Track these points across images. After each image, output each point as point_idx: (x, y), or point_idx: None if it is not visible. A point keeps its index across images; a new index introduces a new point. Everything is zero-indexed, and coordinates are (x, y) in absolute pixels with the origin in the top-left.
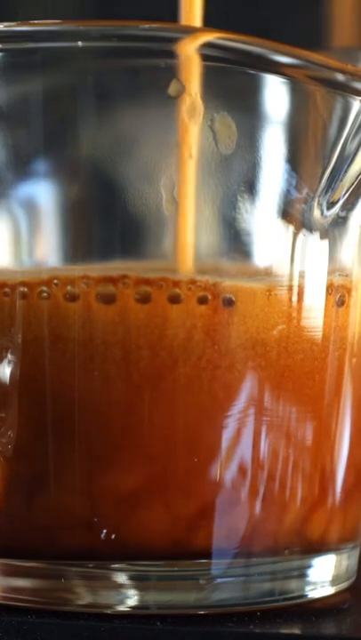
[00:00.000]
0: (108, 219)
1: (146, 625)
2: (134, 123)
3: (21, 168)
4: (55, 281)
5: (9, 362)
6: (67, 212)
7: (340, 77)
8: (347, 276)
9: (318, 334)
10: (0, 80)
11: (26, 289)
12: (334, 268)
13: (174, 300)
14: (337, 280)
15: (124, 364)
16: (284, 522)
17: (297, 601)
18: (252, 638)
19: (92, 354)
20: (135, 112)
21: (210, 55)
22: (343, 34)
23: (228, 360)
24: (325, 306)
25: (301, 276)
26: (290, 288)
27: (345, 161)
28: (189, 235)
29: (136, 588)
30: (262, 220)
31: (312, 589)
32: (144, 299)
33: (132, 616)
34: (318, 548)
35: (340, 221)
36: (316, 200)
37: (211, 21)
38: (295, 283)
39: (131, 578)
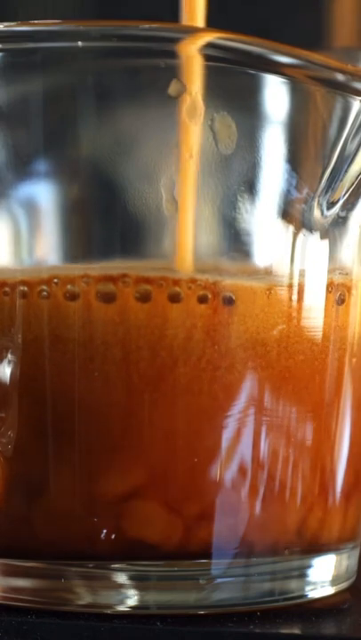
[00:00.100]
0: (108, 219)
1: (146, 625)
2: (134, 123)
3: (21, 168)
4: (55, 280)
5: (9, 362)
6: (67, 212)
7: (340, 77)
8: (347, 274)
9: (318, 333)
10: (0, 80)
11: (26, 288)
12: (334, 267)
13: (174, 298)
14: (337, 278)
15: (124, 363)
16: (284, 522)
17: (297, 601)
18: (252, 638)
19: (91, 353)
20: (135, 112)
21: (210, 55)
22: (343, 34)
23: (228, 359)
24: (325, 304)
25: (301, 274)
26: (290, 287)
27: (345, 161)
28: (189, 234)
29: (136, 587)
30: (262, 219)
31: (312, 589)
32: (144, 297)
33: (132, 616)
34: (318, 548)
35: (341, 221)
36: (316, 200)
37: (211, 21)
38: (295, 282)
39: (131, 578)
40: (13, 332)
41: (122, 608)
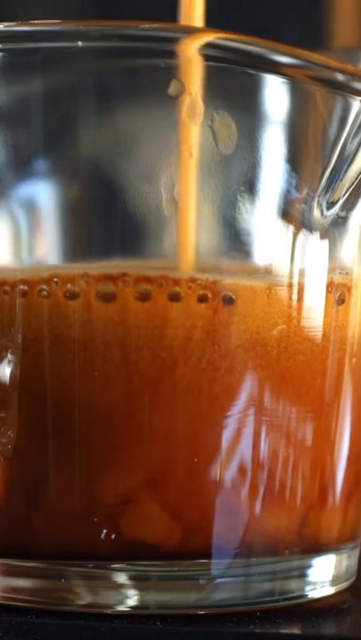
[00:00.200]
0: (108, 219)
1: (146, 625)
2: (134, 123)
3: (21, 168)
4: (55, 279)
5: (9, 362)
6: (67, 212)
7: (340, 77)
8: (347, 274)
9: (318, 333)
10: (0, 80)
11: (26, 287)
12: (334, 266)
13: (174, 298)
14: (337, 278)
15: (124, 363)
16: (284, 522)
17: (297, 601)
18: (252, 638)
19: (91, 353)
20: (135, 112)
21: (210, 55)
22: (343, 34)
23: (228, 358)
24: (325, 304)
25: (301, 274)
26: (290, 286)
27: (345, 161)
28: (189, 234)
29: (136, 587)
30: (262, 219)
31: (312, 589)
32: (144, 297)
33: (132, 616)
34: (318, 548)
35: (341, 221)
36: (316, 200)
37: (211, 21)
38: (295, 281)
39: (131, 578)
40: (13, 331)
41: (122, 608)
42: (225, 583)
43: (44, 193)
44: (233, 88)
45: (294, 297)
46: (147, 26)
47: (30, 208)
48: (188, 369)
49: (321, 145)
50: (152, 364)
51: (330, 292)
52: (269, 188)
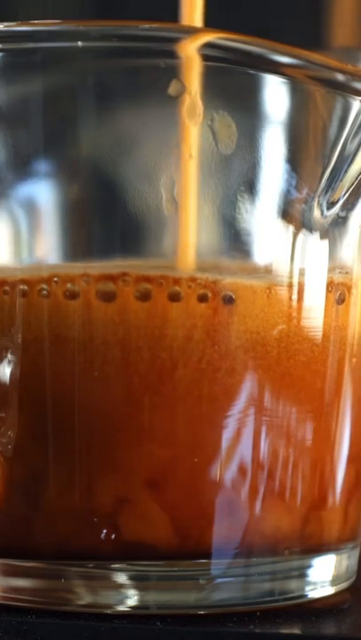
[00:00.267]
0: (108, 219)
1: (146, 625)
2: (134, 123)
3: (21, 168)
4: (55, 279)
5: (9, 362)
6: (67, 212)
7: (340, 77)
8: (347, 273)
9: (318, 332)
10: (0, 80)
11: (26, 287)
12: (334, 266)
13: (174, 297)
14: (337, 277)
15: (124, 363)
16: (284, 522)
17: (297, 601)
18: (252, 638)
19: (91, 353)
20: (135, 112)
21: (210, 55)
22: (343, 34)
23: (227, 358)
24: (325, 303)
25: (301, 273)
26: (290, 286)
27: (345, 161)
28: (189, 234)
29: (136, 587)
30: (262, 219)
31: (312, 589)
32: (144, 296)
33: (132, 616)
34: (318, 548)
35: (340, 221)
36: (316, 200)
37: (211, 21)
38: (295, 280)
39: (131, 578)
40: (13, 331)
41: (122, 608)
42: (225, 583)
43: (44, 193)
44: (233, 88)
45: (294, 296)
46: (147, 26)
47: (30, 208)
48: (188, 368)
49: (321, 145)
50: (152, 364)
51: (330, 291)
52: (269, 188)
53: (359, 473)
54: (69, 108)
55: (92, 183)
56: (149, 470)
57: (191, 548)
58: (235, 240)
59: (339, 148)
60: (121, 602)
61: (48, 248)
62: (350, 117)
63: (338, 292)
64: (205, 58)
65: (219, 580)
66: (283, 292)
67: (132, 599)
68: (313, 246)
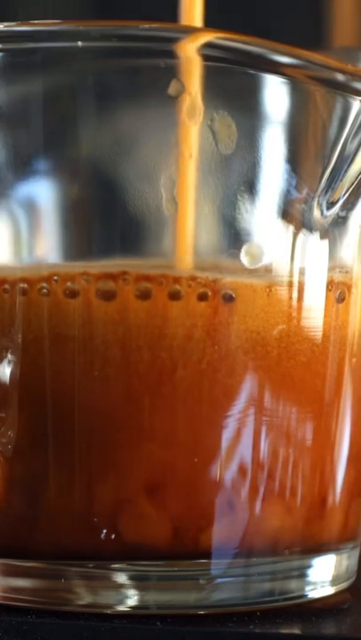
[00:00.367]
0: (108, 219)
1: (146, 625)
2: (134, 123)
3: (21, 168)
4: (55, 277)
5: (9, 361)
6: (67, 212)
7: (340, 77)
8: (347, 272)
9: (318, 330)
10: (0, 80)
11: (26, 285)
12: (334, 265)
13: (174, 296)
14: (337, 277)
15: (124, 362)
16: (284, 522)
17: (297, 601)
18: (252, 638)
19: (91, 352)
20: (135, 112)
21: (210, 55)
22: (343, 34)
23: (227, 357)
24: (325, 302)
25: (302, 273)
26: (290, 285)
27: (345, 161)
28: (189, 233)
29: (136, 587)
30: (262, 219)
31: (312, 589)
32: (144, 295)
33: (132, 616)
34: (318, 548)
35: (341, 221)
36: (316, 200)
37: (211, 21)
38: (295, 280)
39: (131, 578)
40: (13, 329)
41: (122, 608)
42: (225, 583)
43: (44, 193)
44: (233, 88)
45: (294, 295)
46: (147, 26)
47: (30, 208)
48: (188, 367)
49: (321, 145)
50: (152, 363)
51: (330, 290)
52: (269, 188)
53: (359, 473)
54: (69, 108)
55: (92, 183)
56: (149, 470)
57: (191, 548)
58: (235, 240)
59: (339, 147)
60: (121, 602)
61: (48, 248)
62: (350, 117)
63: (338, 291)
64: (205, 58)
65: (219, 580)
66: (283, 290)
67: (132, 599)
68: (313, 246)
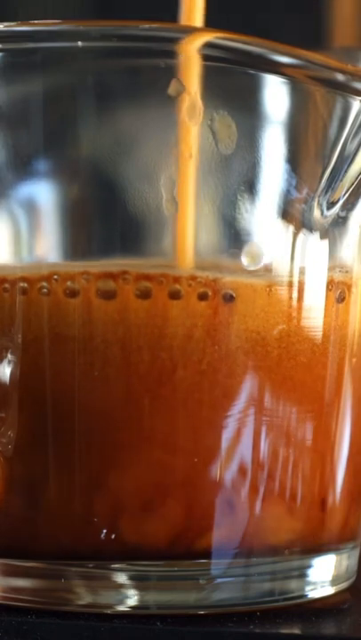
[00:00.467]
0: (108, 219)
1: (146, 625)
2: (134, 123)
3: (21, 168)
4: (55, 276)
5: (9, 361)
6: (67, 212)
7: (340, 77)
8: (347, 272)
9: (318, 330)
10: (0, 80)
11: (26, 284)
12: (334, 265)
13: (174, 295)
14: (337, 276)
15: (124, 362)
16: (284, 522)
17: (297, 601)
18: (252, 638)
19: (91, 352)
20: (135, 112)
21: (210, 55)
22: (343, 34)
23: (227, 357)
24: (325, 302)
25: (302, 272)
26: (290, 284)
27: (345, 161)
28: (189, 233)
29: (136, 587)
30: (262, 219)
31: (312, 589)
32: (144, 294)
33: (132, 616)
34: (318, 548)
35: (341, 221)
36: (316, 200)
37: (211, 21)
38: (295, 279)
39: (131, 578)
40: (13, 329)
41: (122, 608)
42: (225, 583)
43: (44, 193)
44: (233, 88)
45: (294, 295)
46: (147, 26)
47: (30, 208)
48: (189, 367)
49: (321, 145)
50: (152, 363)
51: (330, 289)
52: (269, 188)
53: (359, 473)
54: (69, 108)
55: (92, 183)
56: (149, 470)
57: (191, 548)
58: (234, 240)
59: (339, 147)
60: (121, 602)
61: (48, 247)
62: (350, 117)
63: (338, 291)
64: (205, 58)
65: (219, 580)
66: (283, 290)
67: (132, 599)
68: (313, 246)
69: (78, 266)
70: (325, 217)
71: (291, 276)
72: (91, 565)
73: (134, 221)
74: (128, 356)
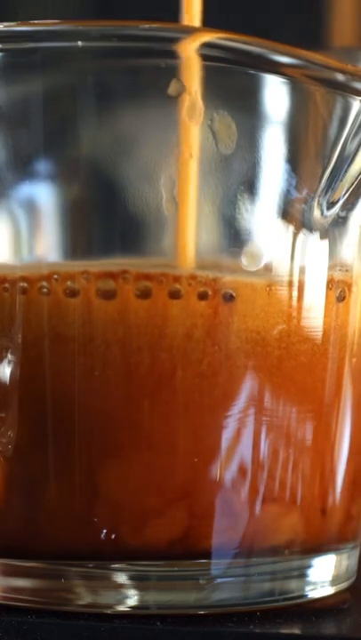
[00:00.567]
0: (108, 219)
1: (146, 625)
2: (134, 123)
3: (21, 168)
4: (55, 276)
5: (9, 361)
6: (67, 212)
7: (340, 77)
8: (347, 271)
9: (318, 330)
10: (0, 80)
11: (26, 284)
12: (334, 264)
13: (174, 295)
14: (337, 275)
15: (125, 362)
16: (284, 522)
17: (297, 601)
18: (252, 638)
19: (91, 352)
20: (135, 112)
21: (210, 55)
22: (343, 34)
23: (227, 356)
24: (326, 301)
25: (302, 272)
26: (290, 284)
27: (345, 161)
28: (190, 233)
29: (136, 587)
30: (262, 219)
31: (312, 589)
32: (144, 294)
33: (132, 616)
34: (318, 548)
35: (341, 221)
36: (316, 200)
37: (211, 21)
38: (295, 279)
39: (131, 578)
40: (13, 329)
41: (122, 608)
42: (225, 583)
43: (44, 193)
44: (233, 88)
45: (294, 294)
46: (147, 26)
47: (30, 208)
48: (188, 367)
49: (321, 145)
50: (152, 364)
51: (330, 288)
52: (269, 188)
53: (359, 473)
54: (69, 108)
55: (92, 183)
56: (149, 470)
57: (191, 548)
58: (234, 240)
59: (339, 147)
60: (121, 602)
61: (48, 247)
62: (350, 117)
63: (338, 290)
64: (205, 58)
65: (219, 580)
66: (283, 289)
67: (132, 599)
68: (313, 246)
69: (78, 265)
70: (325, 217)
71: (291, 275)
72: (91, 565)
73: (134, 221)
74: (128, 356)
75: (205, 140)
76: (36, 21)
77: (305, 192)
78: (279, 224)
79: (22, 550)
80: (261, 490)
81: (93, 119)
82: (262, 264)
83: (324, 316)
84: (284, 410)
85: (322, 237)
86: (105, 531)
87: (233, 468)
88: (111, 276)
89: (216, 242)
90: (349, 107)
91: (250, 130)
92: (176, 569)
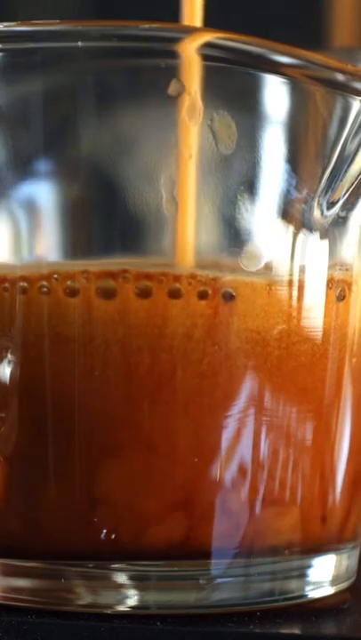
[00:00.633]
0: (108, 219)
1: (146, 625)
2: (134, 123)
3: (21, 168)
4: (55, 275)
5: (9, 361)
6: (67, 212)
7: (340, 77)
8: (347, 270)
9: (318, 330)
10: (0, 80)
11: (26, 284)
12: (334, 264)
13: (174, 294)
14: (337, 274)
15: (125, 362)
16: (284, 522)
17: (297, 601)
18: (252, 638)
19: (91, 351)
20: (135, 112)
21: (210, 55)
22: (343, 34)
23: (227, 356)
24: (326, 300)
25: (302, 272)
26: (290, 283)
27: (345, 161)
28: (189, 233)
29: (136, 587)
30: (262, 219)
31: (312, 589)
32: (144, 293)
33: (132, 616)
34: (318, 548)
35: (341, 221)
36: (316, 200)
37: (211, 21)
38: (295, 278)
39: (131, 578)
40: (13, 329)
41: (122, 608)
42: (225, 583)
43: (44, 193)
44: (233, 88)
45: (294, 293)
46: (147, 26)
47: (30, 208)
48: (188, 367)
49: (321, 145)
50: (152, 363)
51: (330, 288)
52: (269, 188)
53: (359, 473)
54: (69, 108)
55: (92, 183)
56: (149, 470)
57: (191, 548)
58: (235, 240)
59: (339, 147)
60: (121, 602)
61: (48, 247)
62: (350, 117)
63: (338, 289)
64: (205, 58)
65: (219, 580)
66: (283, 289)
67: (132, 599)
68: (313, 246)
69: (78, 265)
70: (325, 217)
71: (291, 275)
72: (91, 565)
73: (134, 221)
74: (128, 356)
75: (205, 140)
76: (36, 21)
77: (305, 192)
78: (279, 224)
79: (22, 550)
80: (261, 490)
81: (93, 119)
82: (262, 264)
83: (325, 316)
84: (284, 410)
85: (322, 237)
86: (105, 531)
87: (233, 468)
88: (111, 275)
89: (216, 242)
90: (349, 107)
91: (250, 130)
92: (176, 569)
